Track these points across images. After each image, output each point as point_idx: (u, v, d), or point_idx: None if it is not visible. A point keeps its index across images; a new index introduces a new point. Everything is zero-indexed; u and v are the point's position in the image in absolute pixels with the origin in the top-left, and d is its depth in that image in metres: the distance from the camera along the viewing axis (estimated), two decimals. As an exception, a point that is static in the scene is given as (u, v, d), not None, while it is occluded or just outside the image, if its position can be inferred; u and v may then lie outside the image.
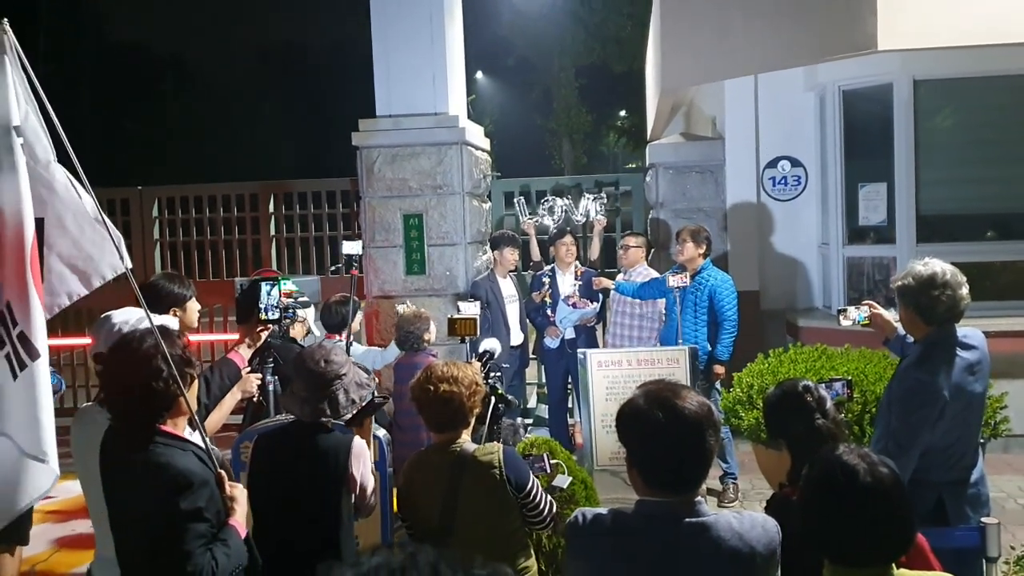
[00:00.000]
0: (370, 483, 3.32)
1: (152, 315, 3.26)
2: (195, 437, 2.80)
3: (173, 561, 2.53)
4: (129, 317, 3.14)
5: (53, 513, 6.28)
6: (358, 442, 3.27)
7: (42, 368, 2.64)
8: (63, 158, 2.92)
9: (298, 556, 3.12)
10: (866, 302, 4.06)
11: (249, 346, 3.66)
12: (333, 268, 8.35)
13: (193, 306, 3.87)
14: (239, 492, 2.76)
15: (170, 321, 3.23)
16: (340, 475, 3.18)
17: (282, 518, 3.19)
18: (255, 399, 4.83)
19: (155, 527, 2.57)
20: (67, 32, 26.50)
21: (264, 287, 3.59)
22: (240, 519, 2.72)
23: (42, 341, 2.67)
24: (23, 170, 2.65)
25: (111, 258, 2.94)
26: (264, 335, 3.76)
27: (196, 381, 2.84)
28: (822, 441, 2.76)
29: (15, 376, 2.59)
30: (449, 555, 1.12)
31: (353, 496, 3.25)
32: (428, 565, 1.09)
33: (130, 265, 2.99)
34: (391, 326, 6.64)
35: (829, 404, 2.99)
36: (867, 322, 3.98)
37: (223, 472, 2.74)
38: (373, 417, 3.55)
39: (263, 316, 3.59)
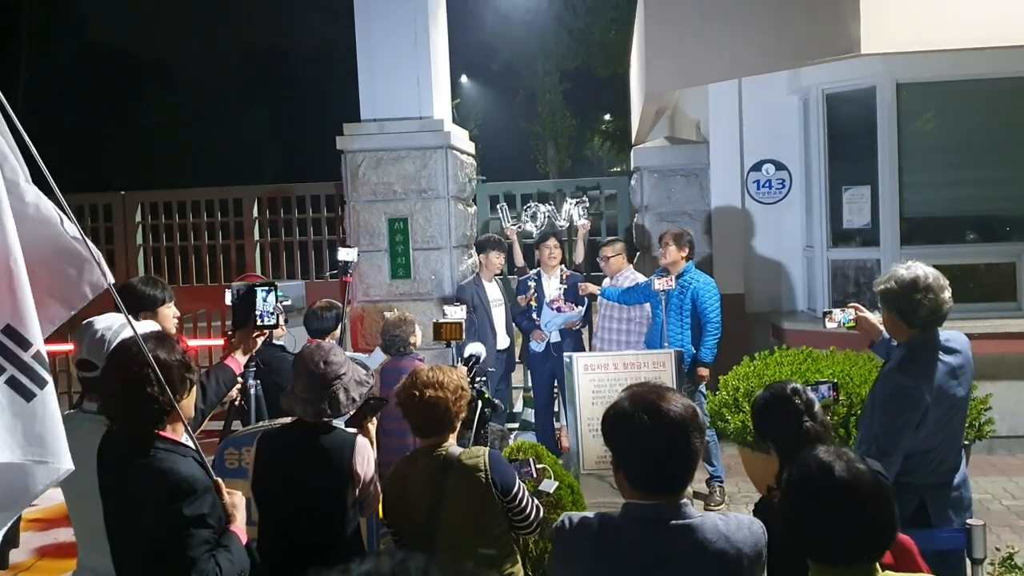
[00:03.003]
0: (373, 480, 3.34)
1: (141, 323, 3.24)
2: (189, 443, 2.78)
3: (176, 568, 2.52)
4: (112, 323, 3.11)
5: (35, 521, 6.21)
6: (361, 440, 3.31)
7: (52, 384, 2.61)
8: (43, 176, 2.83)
9: (306, 553, 3.14)
10: (851, 305, 4.06)
11: (245, 352, 3.63)
12: (328, 273, 8.32)
13: (167, 311, 3.81)
14: (238, 498, 2.76)
15: (150, 326, 3.19)
16: (346, 472, 3.22)
17: (289, 516, 3.22)
18: (236, 403, 4.81)
19: (157, 534, 2.55)
20: (50, 35, 26.30)
21: (260, 293, 3.56)
22: (240, 525, 2.72)
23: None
24: (1, 190, 2.58)
25: (90, 276, 2.87)
26: (260, 341, 3.72)
27: (195, 386, 2.82)
28: (810, 443, 2.76)
29: (30, 398, 2.53)
30: (439, 561, 1.10)
31: (357, 491, 3.26)
32: (419, 571, 1.07)
33: (112, 280, 2.92)
34: (376, 331, 6.62)
35: (817, 407, 3.00)
36: (852, 325, 3.99)
37: (219, 480, 2.73)
38: (374, 417, 3.55)
39: (259, 322, 3.56)
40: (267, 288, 3.57)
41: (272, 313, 3.59)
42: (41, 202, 2.78)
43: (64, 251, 2.81)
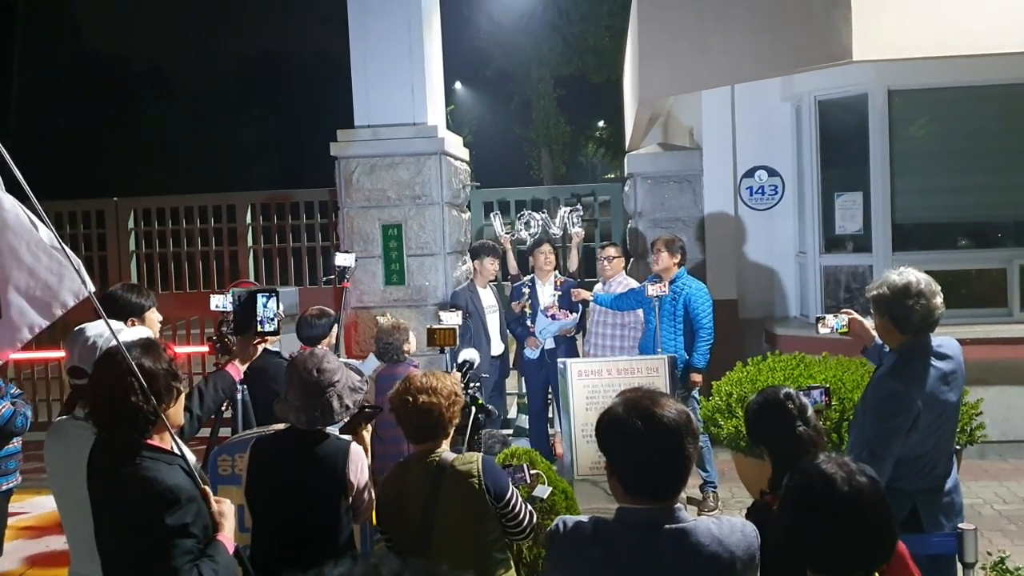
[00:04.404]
0: (367, 487, 3.34)
1: (134, 329, 3.23)
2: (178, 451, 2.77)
3: None
4: (103, 330, 3.10)
5: (26, 529, 6.19)
6: (355, 448, 3.30)
7: None
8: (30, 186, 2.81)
9: (300, 559, 3.12)
10: (844, 310, 4.07)
11: (244, 359, 3.62)
12: (324, 279, 8.32)
13: (153, 316, 3.82)
14: (227, 507, 2.74)
15: (142, 332, 3.19)
16: (339, 480, 3.21)
17: (283, 523, 3.22)
18: (223, 409, 4.79)
19: (141, 543, 2.55)
20: (45, 41, 26.26)
21: (261, 299, 3.55)
22: (229, 534, 2.70)
23: None
24: None
25: (71, 284, 2.87)
26: (260, 348, 3.72)
27: (182, 395, 2.81)
28: (803, 449, 2.77)
29: None
30: (414, 564, 1.10)
31: (351, 499, 3.26)
32: (391, 574, 1.08)
33: (93, 289, 2.92)
34: (370, 338, 6.62)
35: (810, 412, 3.01)
36: (845, 330, 4.00)
37: (207, 488, 2.71)
38: (368, 424, 3.55)
39: (260, 328, 3.55)
40: (268, 294, 3.56)
41: (272, 319, 3.58)
42: (19, 211, 2.77)
43: (43, 259, 2.81)
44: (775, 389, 3.12)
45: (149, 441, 2.64)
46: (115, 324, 3.20)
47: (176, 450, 2.71)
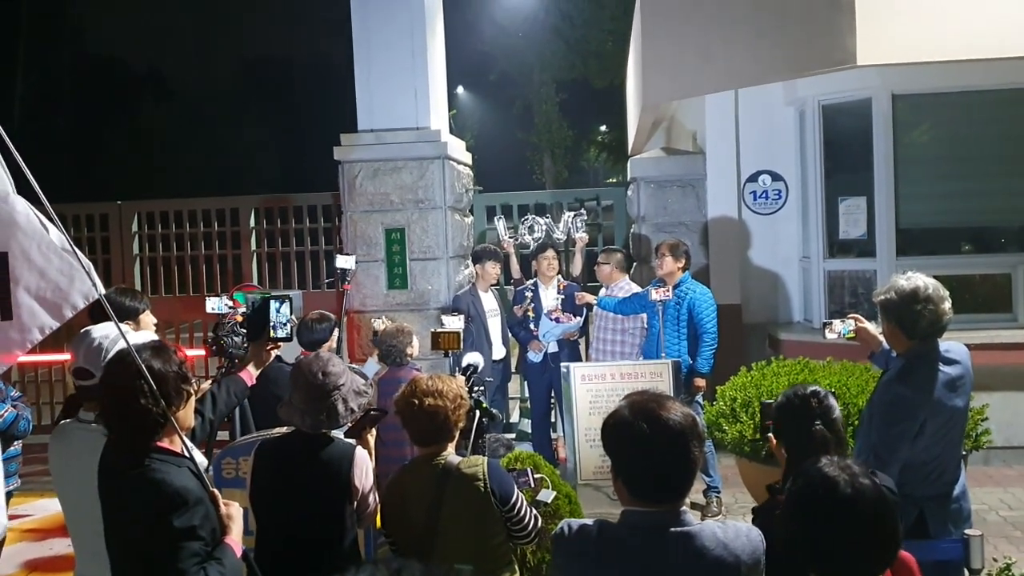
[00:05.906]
0: (371, 492, 3.33)
1: (140, 332, 3.23)
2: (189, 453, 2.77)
3: None
4: (109, 332, 3.10)
5: (30, 532, 6.19)
6: (360, 452, 3.30)
7: None
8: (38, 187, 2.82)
9: (304, 563, 3.14)
10: (851, 315, 4.05)
11: (257, 364, 3.62)
12: (325, 282, 8.32)
13: (147, 319, 3.83)
14: (235, 510, 2.74)
15: (150, 335, 3.19)
16: (343, 485, 3.21)
17: (287, 526, 3.22)
18: None
19: (149, 545, 2.55)
20: (47, 46, 26.33)
21: (274, 304, 3.55)
22: (236, 537, 2.70)
23: None
24: None
25: (81, 286, 2.88)
26: (274, 354, 3.72)
27: (192, 397, 2.80)
28: (818, 449, 2.73)
29: None
30: (435, 570, 1.10)
31: (355, 504, 3.26)
32: None
33: (103, 291, 2.93)
34: (369, 341, 6.62)
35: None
36: (852, 335, 3.98)
37: (216, 491, 2.71)
38: (373, 428, 3.55)
39: (273, 334, 3.55)
40: (281, 300, 3.57)
41: (285, 324, 3.59)
42: (31, 213, 2.78)
43: (54, 261, 2.82)
44: (803, 386, 3.05)
45: (159, 443, 2.64)
46: (122, 327, 3.20)
47: (186, 452, 2.70)
